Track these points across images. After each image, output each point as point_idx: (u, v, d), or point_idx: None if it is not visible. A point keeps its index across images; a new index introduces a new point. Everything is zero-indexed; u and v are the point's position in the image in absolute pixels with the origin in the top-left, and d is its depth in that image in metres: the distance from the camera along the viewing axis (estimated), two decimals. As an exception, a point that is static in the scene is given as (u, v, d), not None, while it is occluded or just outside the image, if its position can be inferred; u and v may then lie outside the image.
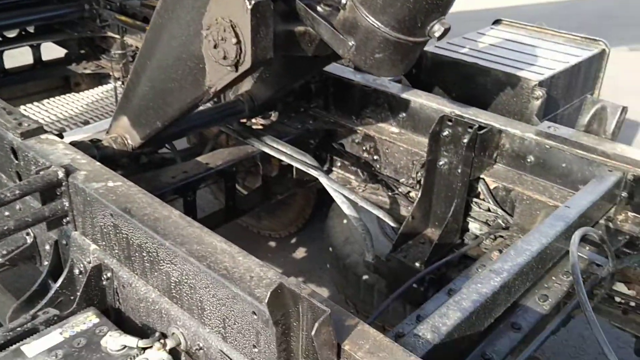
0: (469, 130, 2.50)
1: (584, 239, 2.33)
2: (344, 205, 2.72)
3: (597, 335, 1.44)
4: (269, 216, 4.53)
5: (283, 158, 2.79)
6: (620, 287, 2.51)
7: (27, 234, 2.52)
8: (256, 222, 4.60)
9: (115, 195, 2.00)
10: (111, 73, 4.52)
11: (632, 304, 2.47)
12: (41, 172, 2.09)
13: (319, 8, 2.11)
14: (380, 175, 3.18)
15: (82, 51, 4.64)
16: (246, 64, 1.92)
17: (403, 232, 2.71)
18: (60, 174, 2.09)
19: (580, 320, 3.59)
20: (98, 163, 2.19)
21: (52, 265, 2.37)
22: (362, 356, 1.37)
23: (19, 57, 4.61)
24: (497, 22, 3.51)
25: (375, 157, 3.16)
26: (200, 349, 1.83)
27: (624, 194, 2.33)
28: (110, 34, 4.29)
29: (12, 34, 4.49)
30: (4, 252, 2.51)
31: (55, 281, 2.27)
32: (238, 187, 3.79)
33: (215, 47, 1.96)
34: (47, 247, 2.39)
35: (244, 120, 3.12)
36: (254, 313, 1.58)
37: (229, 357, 1.73)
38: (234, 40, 1.90)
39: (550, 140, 2.45)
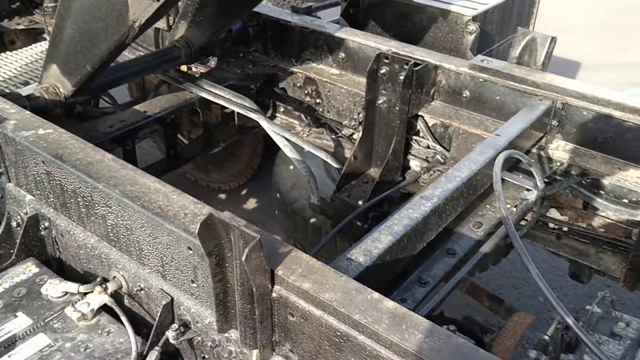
0: (405, 67, 2.51)
1: (516, 168, 2.41)
2: (286, 148, 2.72)
3: (519, 250, 1.50)
4: (218, 169, 4.51)
5: (221, 102, 2.76)
6: (554, 214, 2.61)
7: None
8: (205, 176, 4.58)
9: (46, 142, 1.96)
10: (46, 28, 4.35)
11: (565, 229, 2.58)
12: (-32, 121, 2.03)
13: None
14: (323, 119, 3.18)
15: (14, 6, 4.44)
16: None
17: (346, 173, 2.74)
18: (-12, 123, 2.04)
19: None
20: (28, 112, 2.13)
21: (-11, 219, 2.32)
22: (294, 279, 1.40)
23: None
24: (433, -39, 3.49)
25: (317, 101, 3.16)
26: (142, 289, 1.84)
27: (554, 122, 2.40)
28: (41, -14, 4.12)
29: None
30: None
31: (-8, 235, 2.23)
32: (183, 139, 3.77)
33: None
34: (-18, 201, 2.33)
35: (183, 68, 3.07)
36: (189, 248, 1.59)
37: (169, 295, 1.75)
38: (153, -33, 1.86)
39: (483, 73, 2.49)
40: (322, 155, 2.76)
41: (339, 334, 1.35)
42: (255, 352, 1.55)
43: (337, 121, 3.13)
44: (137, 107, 2.78)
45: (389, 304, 1.34)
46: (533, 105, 2.33)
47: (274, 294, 1.45)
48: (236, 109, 2.76)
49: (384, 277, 1.63)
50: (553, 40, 2.40)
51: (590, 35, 7.41)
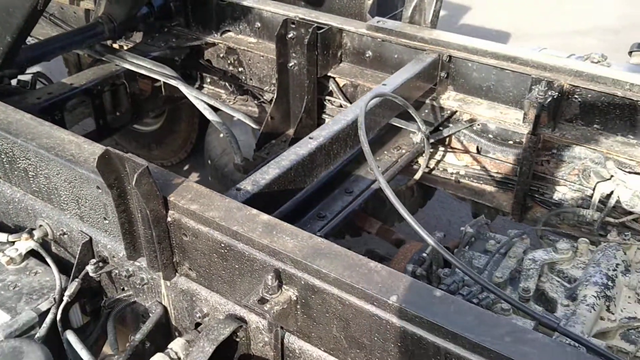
0: (310, 30, 2.74)
1: (405, 117, 2.65)
2: (206, 112, 2.93)
3: (380, 181, 1.68)
4: (159, 145, 4.68)
5: (143, 72, 2.95)
6: (452, 160, 2.88)
7: None
8: (147, 153, 4.74)
9: (-30, 107, 2.14)
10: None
11: (462, 172, 2.85)
12: None
13: None
14: (246, 86, 3.40)
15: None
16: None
17: (264, 132, 2.97)
18: None
19: (436, 201, 4.01)
20: (-47, 82, 2.30)
21: None
22: (184, 203, 1.62)
23: None
24: None
25: (240, 69, 3.37)
26: (64, 233, 2.04)
27: (443, 74, 2.66)
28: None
29: None
30: None
31: None
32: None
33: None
34: None
35: (109, 43, 3.24)
36: (98, 187, 1.80)
37: (87, 235, 1.95)
38: None
39: (379, 33, 2.74)
40: (239, 116, 2.98)
41: (223, 245, 1.58)
42: (160, 274, 1.78)
43: (259, 87, 3.35)
44: (64, 80, 2.96)
45: (264, 217, 1.57)
46: (420, 59, 2.58)
47: (168, 218, 1.67)
48: (156, 77, 2.96)
49: (272, 204, 1.86)
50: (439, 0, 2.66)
51: (523, 6, 7.77)
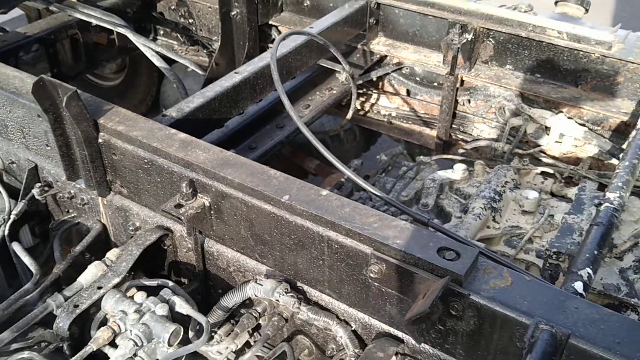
0: (249, -21, 2.92)
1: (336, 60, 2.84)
2: (153, 58, 3.10)
3: (289, 111, 1.88)
4: (121, 100, 4.83)
5: (93, 21, 3.11)
6: (385, 102, 3.10)
7: None
8: (110, 107, 4.90)
9: None
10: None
11: (394, 114, 3.08)
12: None
13: None
14: (196, 37, 3.58)
15: None
16: None
17: (209, 78, 3.13)
18: None
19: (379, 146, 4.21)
20: None
21: None
22: (112, 125, 1.83)
23: None
24: None
25: (190, 21, 3.54)
26: (13, 162, 2.24)
27: (372, 20, 2.85)
28: None
29: None
30: None
31: None
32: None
33: None
34: None
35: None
36: (38, 116, 1.99)
37: (33, 162, 2.15)
38: None
39: (314, -19, 2.93)
40: (186, 62, 3.16)
41: (146, 161, 1.79)
42: (96, 193, 1.99)
43: (207, 37, 3.53)
44: (19, 29, 3.11)
45: (181, 135, 1.79)
46: (349, 5, 2.77)
47: (100, 140, 1.87)
48: (106, 25, 3.12)
49: (197, 131, 2.06)
50: (369, -51, 2.84)
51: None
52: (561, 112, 2.56)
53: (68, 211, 2.20)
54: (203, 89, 2.16)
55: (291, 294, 1.66)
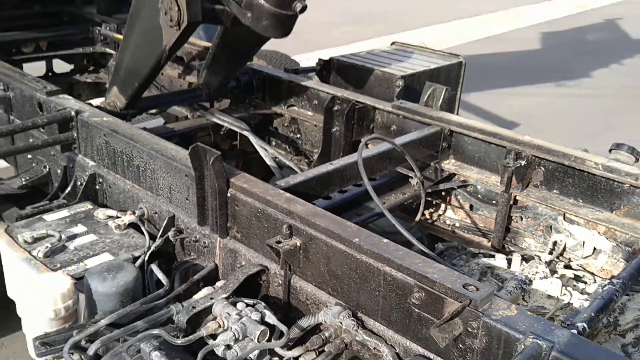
0: (349, 105, 3.70)
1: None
2: (267, 159, 3.88)
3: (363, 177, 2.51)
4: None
5: (224, 124, 3.97)
6: (450, 214, 3.67)
7: (44, 166, 3.66)
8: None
9: (107, 123, 3.17)
10: (108, 83, 5.71)
11: (457, 225, 3.63)
12: (60, 111, 3.26)
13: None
14: (301, 148, 4.36)
15: (85, 64, 5.85)
16: (184, 23, 3.11)
17: (308, 179, 3.86)
18: (72, 112, 3.27)
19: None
20: (96, 108, 3.36)
21: (62, 183, 3.49)
22: (239, 183, 2.52)
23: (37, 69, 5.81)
24: (393, 43, 4.78)
25: (298, 136, 4.35)
26: (156, 213, 2.96)
27: (445, 144, 3.51)
28: (108, 50, 5.50)
29: (28, 49, 5.68)
30: (27, 177, 3.64)
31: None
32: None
33: (165, 14, 3.15)
34: (59, 171, 3.51)
35: (205, 105, 4.32)
36: (186, 175, 2.72)
37: (172, 212, 2.86)
38: (176, 8, 3.09)
39: (401, 111, 3.65)
40: (291, 164, 3.90)
41: (259, 210, 2.45)
42: (216, 236, 2.64)
43: (310, 150, 4.30)
44: (168, 125, 4.01)
45: (287, 194, 2.44)
46: (424, 130, 3.46)
47: (228, 194, 2.56)
48: (234, 128, 3.96)
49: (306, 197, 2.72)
50: (447, 89, 3.57)
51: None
52: (598, 232, 3.04)
53: (190, 253, 2.86)
54: (305, 171, 2.84)
55: (352, 319, 2.19)
